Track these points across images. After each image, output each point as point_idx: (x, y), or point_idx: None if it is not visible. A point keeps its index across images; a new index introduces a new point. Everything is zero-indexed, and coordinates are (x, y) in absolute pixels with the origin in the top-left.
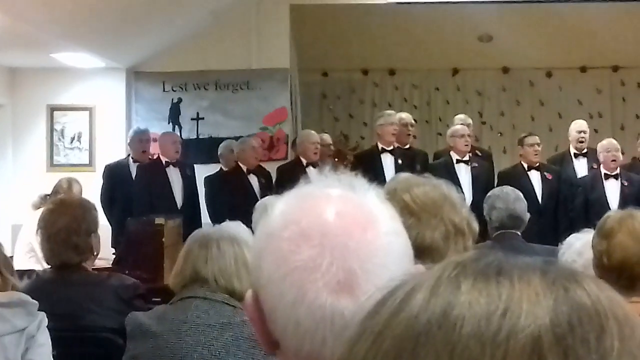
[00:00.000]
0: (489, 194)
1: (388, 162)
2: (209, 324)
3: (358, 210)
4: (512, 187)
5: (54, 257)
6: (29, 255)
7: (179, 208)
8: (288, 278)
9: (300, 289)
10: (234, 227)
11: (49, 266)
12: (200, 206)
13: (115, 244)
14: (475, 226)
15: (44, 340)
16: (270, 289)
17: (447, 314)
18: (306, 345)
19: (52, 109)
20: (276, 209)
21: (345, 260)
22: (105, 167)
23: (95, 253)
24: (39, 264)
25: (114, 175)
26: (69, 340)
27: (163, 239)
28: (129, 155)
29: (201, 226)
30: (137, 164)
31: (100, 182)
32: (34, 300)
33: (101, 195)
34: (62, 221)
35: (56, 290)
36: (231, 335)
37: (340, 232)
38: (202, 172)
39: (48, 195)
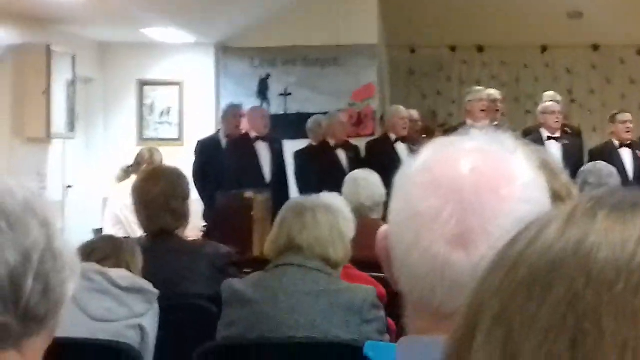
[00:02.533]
0: (582, 169)
1: None
2: (304, 291)
3: (495, 169)
4: (605, 163)
5: (151, 223)
6: (117, 228)
7: (267, 182)
8: (409, 222)
9: (418, 234)
10: (330, 197)
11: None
12: (288, 181)
13: (206, 218)
14: (575, 192)
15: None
16: (394, 229)
17: (583, 242)
18: (416, 291)
19: (142, 84)
20: (421, 154)
21: (466, 216)
22: (198, 142)
23: (188, 220)
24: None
25: (206, 150)
26: (164, 307)
27: (252, 213)
28: (219, 130)
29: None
30: (228, 138)
31: (189, 156)
32: (154, 289)
33: (193, 170)
34: (159, 187)
35: (152, 258)
36: (326, 302)
37: (470, 188)
38: (290, 147)
39: (131, 166)
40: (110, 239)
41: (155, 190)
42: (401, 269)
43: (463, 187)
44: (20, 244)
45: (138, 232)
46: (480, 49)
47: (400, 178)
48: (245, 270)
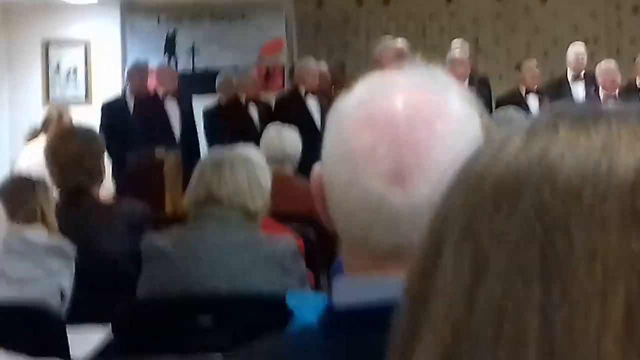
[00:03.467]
0: (491, 116)
1: None
2: (224, 244)
3: (430, 104)
4: (515, 109)
5: (65, 181)
6: None
7: (178, 141)
8: (345, 158)
9: (354, 172)
10: (246, 149)
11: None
12: (198, 139)
13: (115, 177)
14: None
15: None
16: (329, 166)
17: (547, 152)
18: (352, 230)
19: (47, 44)
20: (355, 90)
21: (401, 153)
22: (102, 104)
23: (103, 178)
24: None
25: (112, 110)
26: (80, 266)
27: (163, 171)
28: (125, 89)
29: (200, 158)
30: (135, 97)
31: (97, 116)
32: (71, 247)
33: (99, 130)
34: (73, 144)
35: (66, 216)
36: (247, 254)
37: (404, 124)
38: (199, 103)
39: (39, 127)
40: (22, 182)
41: (70, 148)
42: (336, 208)
43: (398, 122)
44: None
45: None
46: (387, 1)
47: (333, 114)
48: (159, 228)
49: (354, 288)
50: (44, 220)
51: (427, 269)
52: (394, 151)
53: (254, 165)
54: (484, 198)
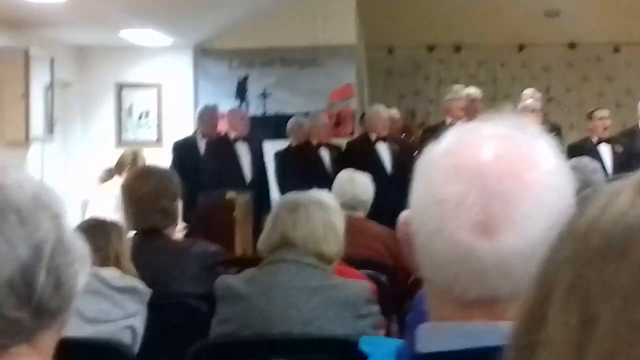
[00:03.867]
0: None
1: None
2: (299, 287)
3: (519, 155)
4: (589, 158)
5: (140, 221)
6: None
7: (248, 183)
8: (432, 208)
9: (441, 221)
10: (321, 193)
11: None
12: (269, 181)
13: (185, 218)
14: None
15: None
16: (416, 215)
17: None
18: (439, 278)
19: (120, 87)
20: (444, 139)
21: (490, 203)
22: (174, 143)
23: (178, 219)
24: None
25: (183, 150)
26: (153, 306)
27: (234, 214)
28: (196, 131)
29: (270, 201)
30: (206, 139)
31: (168, 158)
32: (147, 289)
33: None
34: (149, 185)
35: (141, 256)
36: (320, 298)
37: (493, 174)
38: (270, 148)
39: (113, 169)
40: (97, 225)
41: (146, 188)
42: (423, 256)
43: (486, 172)
44: (31, 239)
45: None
46: (458, 48)
47: (422, 163)
48: (229, 270)
49: (439, 335)
50: (117, 264)
51: (535, 321)
52: (482, 201)
53: (329, 210)
54: (593, 251)
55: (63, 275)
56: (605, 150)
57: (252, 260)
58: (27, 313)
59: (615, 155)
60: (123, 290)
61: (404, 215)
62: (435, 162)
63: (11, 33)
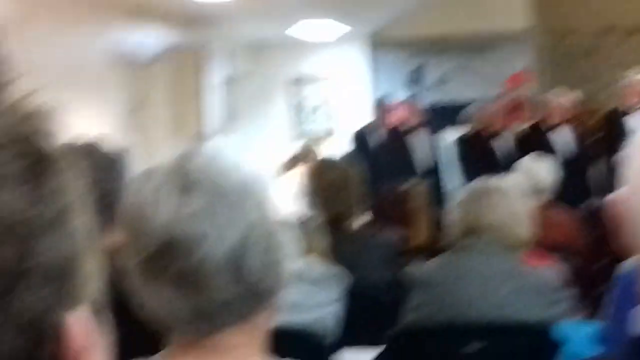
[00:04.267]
0: None
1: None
2: (490, 274)
3: None
4: None
5: (327, 209)
6: None
7: (422, 173)
8: None
9: None
10: (508, 179)
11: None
12: (441, 171)
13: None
14: None
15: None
16: (635, 192)
17: None
18: None
19: (296, 80)
20: None
21: None
22: (353, 133)
23: (362, 208)
24: None
25: (361, 139)
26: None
27: (409, 204)
28: (372, 122)
29: (443, 192)
30: (381, 130)
31: (342, 150)
32: (346, 277)
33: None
34: (335, 173)
35: (328, 245)
36: (513, 284)
37: None
38: (446, 136)
39: (288, 162)
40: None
41: (333, 176)
42: None
43: None
44: (241, 222)
45: None
46: (639, 30)
47: (637, 143)
48: (408, 259)
49: None
50: (316, 253)
51: None
52: None
53: (515, 196)
54: None
55: (272, 258)
56: None
57: (431, 249)
58: (239, 294)
59: None
60: (325, 277)
61: (614, 196)
62: None
63: (187, 31)
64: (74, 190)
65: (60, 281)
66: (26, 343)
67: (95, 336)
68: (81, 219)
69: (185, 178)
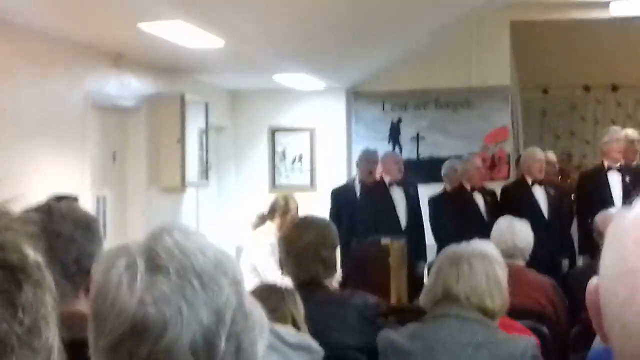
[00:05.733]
0: None
1: (615, 180)
2: (463, 343)
3: None
4: None
5: (300, 272)
6: (252, 275)
7: (403, 228)
8: (623, 278)
9: (633, 291)
10: (482, 244)
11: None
12: (423, 226)
13: (341, 264)
14: None
15: None
16: (605, 283)
17: None
18: (629, 348)
19: (274, 131)
20: (637, 206)
21: None
22: (332, 190)
23: (337, 269)
24: None
25: (341, 197)
26: None
27: (389, 260)
28: (354, 177)
29: (425, 247)
30: (362, 184)
31: (321, 203)
32: (319, 347)
33: (329, 217)
34: (309, 236)
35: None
36: (485, 354)
37: None
38: (423, 192)
39: (266, 214)
40: (272, 290)
41: (306, 239)
42: (613, 326)
43: None
44: (213, 304)
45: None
46: (615, 88)
47: (613, 230)
48: (387, 318)
49: None
50: (294, 324)
51: None
52: None
53: (492, 263)
54: None
55: (244, 341)
56: None
57: (408, 310)
58: None
59: None
60: (297, 347)
61: (592, 282)
62: (628, 230)
63: (167, 79)
64: (46, 303)
65: None
66: None
67: None
68: (52, 332)
69: (155, 259)
